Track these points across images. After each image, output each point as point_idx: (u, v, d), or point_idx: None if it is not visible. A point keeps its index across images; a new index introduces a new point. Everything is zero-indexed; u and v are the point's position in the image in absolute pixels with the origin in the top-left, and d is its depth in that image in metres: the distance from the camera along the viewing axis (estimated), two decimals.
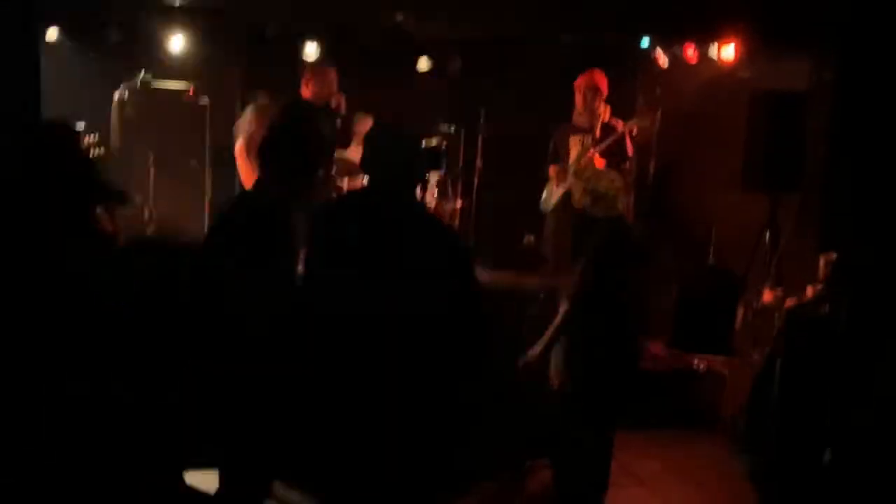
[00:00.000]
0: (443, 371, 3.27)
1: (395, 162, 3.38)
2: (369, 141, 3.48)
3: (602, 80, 6.83)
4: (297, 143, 3.57)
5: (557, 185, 6.86)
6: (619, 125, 6.78)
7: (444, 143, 7.90)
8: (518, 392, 5.30)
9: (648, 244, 4.69)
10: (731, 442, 5.78)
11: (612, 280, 4.34)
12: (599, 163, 6.66)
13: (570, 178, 6.79)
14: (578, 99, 6.85)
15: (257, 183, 3.69)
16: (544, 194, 7.01)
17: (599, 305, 4.32)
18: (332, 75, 6.58)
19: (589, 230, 4.42)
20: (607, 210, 4.40)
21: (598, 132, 6.73)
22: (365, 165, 3.52)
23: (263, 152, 3.62)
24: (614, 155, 6.72)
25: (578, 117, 6.88)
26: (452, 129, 8.14)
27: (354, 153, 7.45)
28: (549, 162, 6.98)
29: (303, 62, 6.95)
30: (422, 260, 3.28)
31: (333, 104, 6.60)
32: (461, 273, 3.35)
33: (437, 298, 3.24)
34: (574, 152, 6.80)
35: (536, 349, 4.42)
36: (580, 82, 6.85)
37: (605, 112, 6.80)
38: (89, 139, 6.48)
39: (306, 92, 6.51)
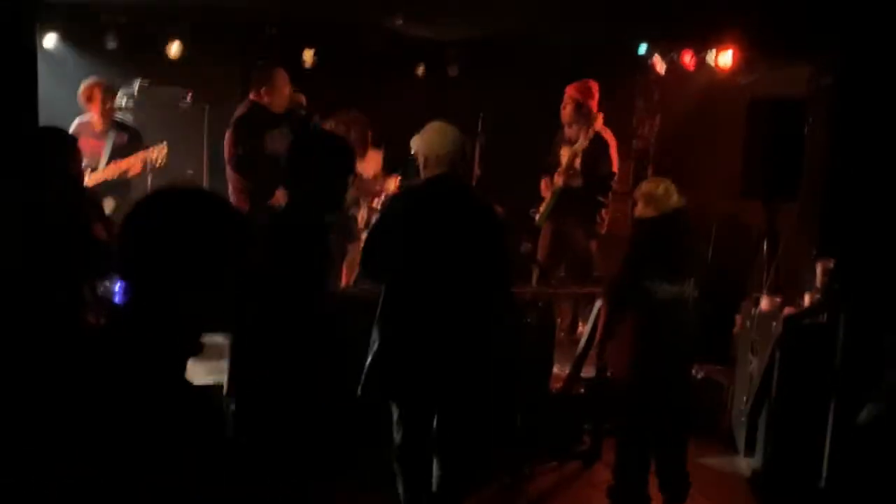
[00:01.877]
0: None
1: (454, 150, 4.15)
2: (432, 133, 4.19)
3: (589, 92, 6.68)
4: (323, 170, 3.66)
5: (546, 197, 6.85)
6: (609, 136, 6.70)
7: None
8: (518, 396, 5.32)
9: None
10: (730, 449, 5.78)
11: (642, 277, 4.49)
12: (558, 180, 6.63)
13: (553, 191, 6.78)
14: (565, 111, 6.75)
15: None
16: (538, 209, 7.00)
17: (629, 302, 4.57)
18: (284, 76, 6.12)
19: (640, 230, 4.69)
20: (656, 210, 4.58)
21: (586, 144, 6.67)
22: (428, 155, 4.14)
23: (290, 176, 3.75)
24: (594, 169, 6.67)
25: (567, 128, 6.80)
26: None
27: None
28: (543, 172, 6.95)
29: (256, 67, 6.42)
30: (483, 227, 4.16)
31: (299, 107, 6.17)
32: (501, 233, 4.25)
33: (490, 253, 4.12)
34: (564, 163, 6.77)
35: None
36: (568, 93, 6.74)
37: (596, 121, 6.68)
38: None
39: (263, 99, 6.03)
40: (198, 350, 1.82)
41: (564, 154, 6.76)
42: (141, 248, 1.75)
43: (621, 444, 4.70)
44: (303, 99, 6.19)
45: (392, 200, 4.73)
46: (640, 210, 4.65)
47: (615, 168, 6.79)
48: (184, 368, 1.82)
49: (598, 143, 6.68)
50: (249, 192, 5.86)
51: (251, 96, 6.03)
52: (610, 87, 7.35)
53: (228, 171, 5.94)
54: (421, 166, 4.18)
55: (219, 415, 1.83)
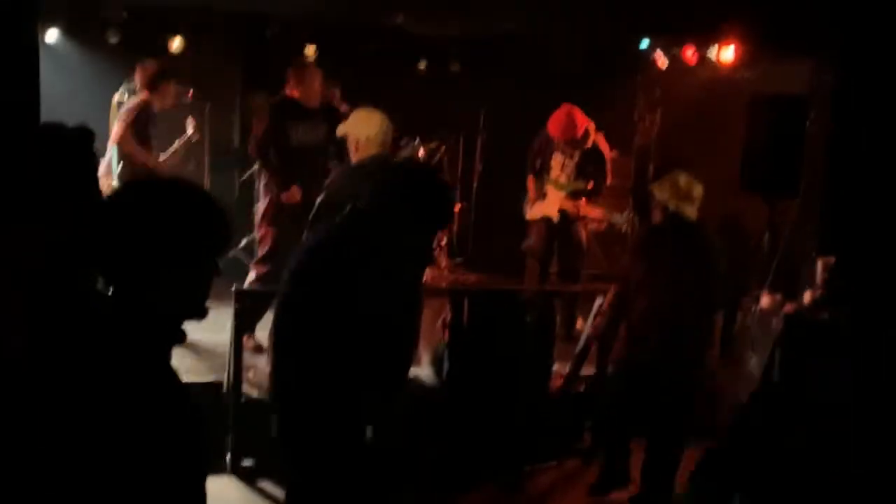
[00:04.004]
0: None
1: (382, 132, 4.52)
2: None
3: (571, 126, 6.49)
4: None
5: (535, 199, 6.83)
6: (605, 146, 6.66)
7: (443, 146, 7.91)
8: (519, 396, 5.33)
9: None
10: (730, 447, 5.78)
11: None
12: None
13: (549, 192, 6.75)
14: (553, 144, 6.67)
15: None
16: (526, 204, 6.97)
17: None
18: (319, 76, 6.21)
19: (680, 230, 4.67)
20: (692, 212, 4.60)
21: (578, 159, 6.64)
22: None
23: None
24: (589, 177, 6.63)
25: (559, 144, 6.69)
26: (451, 132, 8.16)
27: None
28: (529, 171, 6.89)
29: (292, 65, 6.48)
30: None
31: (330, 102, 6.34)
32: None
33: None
34: (555, 169, 6.73)
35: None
36: (551, 131, 6.58)
37: (589, 138, 6.59)
38: None
39: (295, 93, 6.12)
40: (181, 339, 1.83)
41: (557, 161, 6.72)
42: (117, 237, 1.76)
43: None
44: (336, 94, 6.34)
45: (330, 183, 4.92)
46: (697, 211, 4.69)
47: (609, 181, 6.74)
48: (168, 357, 1.84)
49: (594, 153, 6.64)
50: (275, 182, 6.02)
51: (286, 91, 6.15)
52: (611, 83, 7.36)
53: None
54: (352, 150, 4.49)
55: (197, 410, 1.86)
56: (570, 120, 6.51)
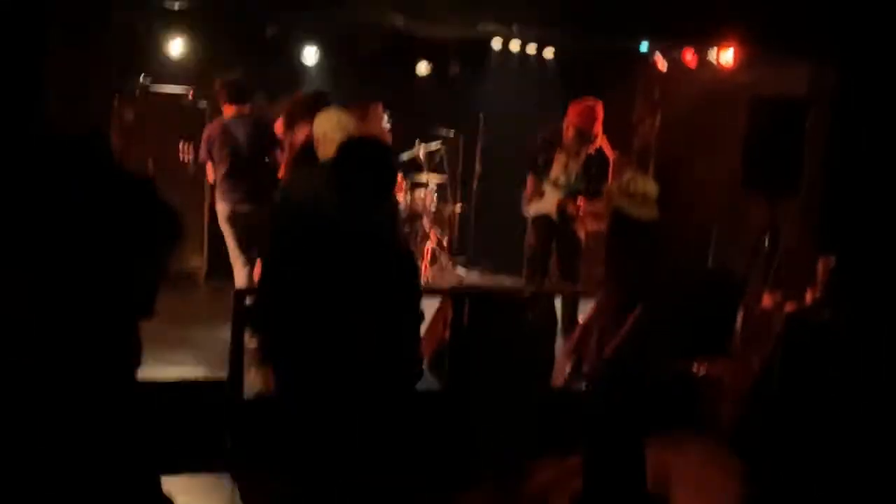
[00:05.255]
0: None
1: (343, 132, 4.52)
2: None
3: (592, 116, 6.49)
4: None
5: (533, 198, 6.80)
6: (609, 151, 6.66)
7: (443, 147, 7.92)
8: (520, 392, 5.32)
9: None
10: (730, 445, 5.77)
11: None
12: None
13: (548, 190, 6.73)
14: (567, 133, 6.56)
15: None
16: (524, 202, 6.94)
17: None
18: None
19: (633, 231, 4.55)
20: (648, 213, 4.53)
21: (582, 160, 6.61)
22: None
23: None
24: (592, 179, 6.58)
25: (568, 142, 6.63)
26: (451, 133, 8.17)
27: None
28: (529, 169, 6.80)
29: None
30: None
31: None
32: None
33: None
34: (556, 169, 6.71)
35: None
36: (571, 117, 6.54)
37: (597, 140, 6.57)
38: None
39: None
40: (130, 333, 1.86)
41: (559, 160, 6.69)
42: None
43: None
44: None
45: (285, 186, 4.96)
46: (626, 205, 4.59)
47: (611, 182, 6.74)
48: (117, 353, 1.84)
49: (598, 157, 6.64)
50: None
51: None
52: (611, 85, 7.34)
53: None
54: (316, 147, 4.65)
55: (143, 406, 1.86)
56: (592, 111, 6.49)
